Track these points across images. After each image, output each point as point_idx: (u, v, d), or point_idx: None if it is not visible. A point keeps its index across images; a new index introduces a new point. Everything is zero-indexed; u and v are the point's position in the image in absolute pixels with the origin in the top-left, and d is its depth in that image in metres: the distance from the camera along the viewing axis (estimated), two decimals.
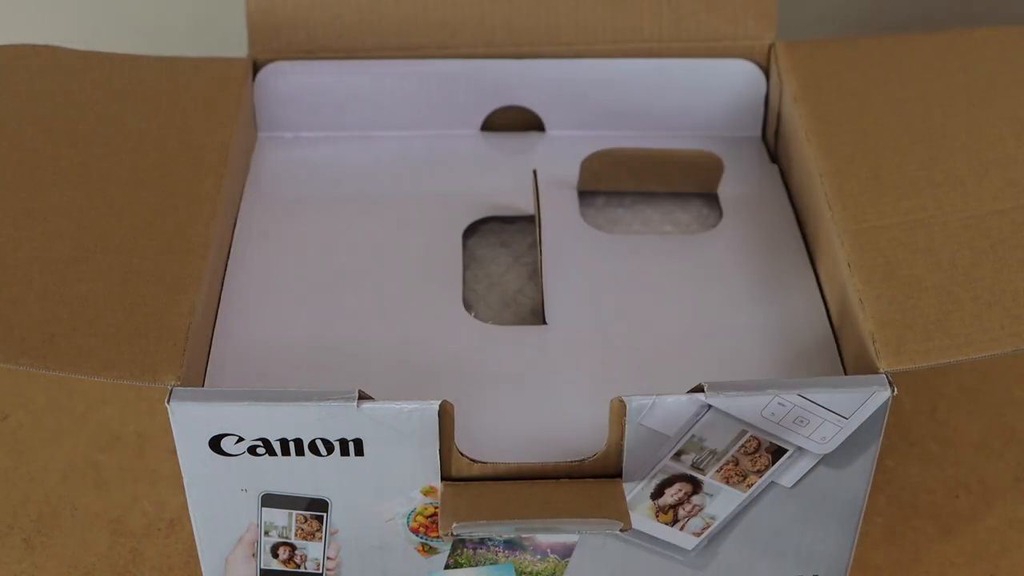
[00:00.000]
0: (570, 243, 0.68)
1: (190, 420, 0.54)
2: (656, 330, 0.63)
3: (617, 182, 0.72)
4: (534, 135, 0.76)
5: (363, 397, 0.53)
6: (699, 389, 0.54)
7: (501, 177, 0.72)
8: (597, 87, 0.75)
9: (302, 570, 0.60)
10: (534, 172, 0.69)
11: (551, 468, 0.56)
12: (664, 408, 0.54)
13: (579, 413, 0.58)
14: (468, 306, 0.65)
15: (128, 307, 0.56)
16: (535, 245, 0.68)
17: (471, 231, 0.70)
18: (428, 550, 0.59)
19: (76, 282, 0.57)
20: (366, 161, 0.73)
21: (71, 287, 0.57)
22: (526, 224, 0.70)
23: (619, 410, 0.54)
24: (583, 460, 0.56)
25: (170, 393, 0.53)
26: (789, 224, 0.69)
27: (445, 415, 0.54)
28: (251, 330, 0.62)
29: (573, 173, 0.72)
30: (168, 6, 0.95)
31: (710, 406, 0.54)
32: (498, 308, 0.66)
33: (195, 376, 0.57)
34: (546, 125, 0.76)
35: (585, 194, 0.72)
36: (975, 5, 0.95)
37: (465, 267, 0.67)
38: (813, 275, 0.65)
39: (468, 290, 0.66)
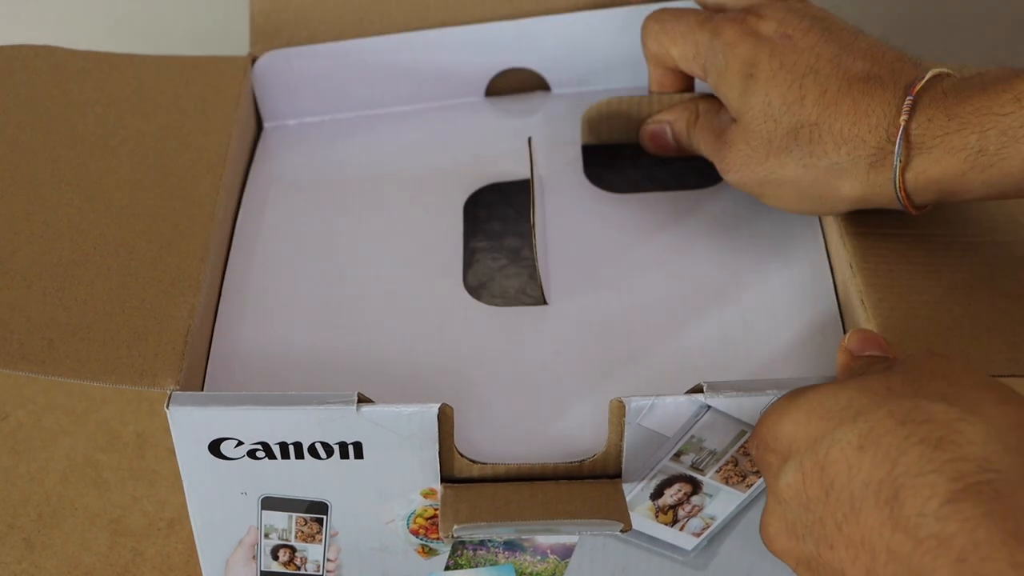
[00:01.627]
0: (572, 205, 0.67)
1: (189, 424, 0.54)
2: (660, 305, 0.62)
3: (620, 133, 0.71)
4: (539, 96, 0.75)
5: (362, 400, 0.53)
6: (698, 389, 0.54)
7: (507, 143, 0.71)
8: (599, 40, 0.73)
9: (302, 572, 0.60)
10: (529, 140, 0.68)
11: (550, 469, 0.56)
12: (663, 409, 0.54)
13: (580, 407, 0.58)
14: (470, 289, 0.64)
15: (127, 310, 0.56)
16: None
17: (476, 229, 0.69)
18: (428, 552, 0.59)
19: (74, 285, 0.57)
20: (371, 142, 0.72)
21: (69, 290, 0.57)
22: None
23: (618, 411, 0.54)
24: (582, 461, 0.56)
25: (169, 397, 0.53)
26: None
27: (444, 418, 0.53)
28: (251, 325, 0.61)
29: (579, 130, 0.71)
30: (168, 6, 0.95)
31: (709, 407, 0.54)
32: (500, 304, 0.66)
33: (194, 378, 0.57)
34: (551, 84, 0.75)
35: (596, 157, 0.71)
36: (974, 6, 0.95)
37: (466, 267, 0.67)
38: (821, 234, 0.65)
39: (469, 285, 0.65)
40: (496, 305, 0.63)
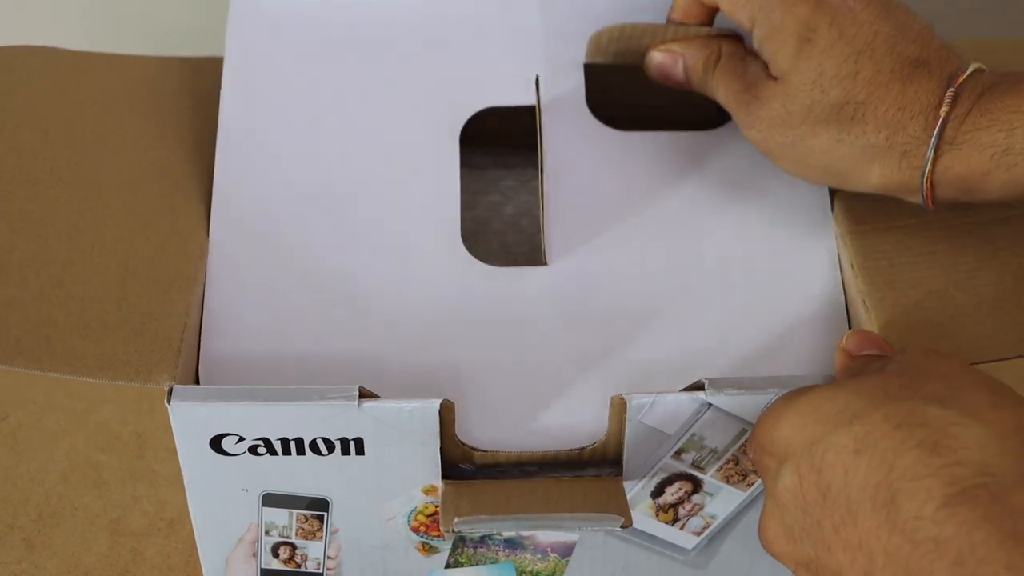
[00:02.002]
0: (574, 145, 0.64)
1: (190, 420, 0.54)
2: (663, 278, 0.61)
3: (630, 58, 0.66)
4: None
5: (364, 395, 0.53)
6: (699, 387, 0.54)
7: (503, 45, 0.66)
8: None
9: (303, 570, 0.59)
10: (536, 79, 0.64)
11: (551, 457, 0.56)
12: (664, 406, 0.54)
13: (580, 391, 0.58)
14: (465, 239, 0.62)
15: (124, 308, 0.57)
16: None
17: (471, 166, 0.66)
18: (428, 549, 0.59)
19: (72, 283, 0.57)
20: (357, 30, 0.67)
21: (67, 288, 0.57)
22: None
23: (619, 407, 0.54)
24: (582, 449, 0.56)
25: (170, 393, 0.53)
26: None
27: (445, 413, 0.53)
28: (241, 305, 0.60)
29: (579, 36, 0.66)
30: (168, 6, 0.95)
31: (710, 404, 0.54)
32: (497, 248, 0.65)
33: (190, 374, 0.57)
34: None
35: (599, 81, 0.66)
36: (976, 7, 0.95)
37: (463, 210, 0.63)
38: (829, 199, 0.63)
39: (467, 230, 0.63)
40: (494, 264, 0.61)
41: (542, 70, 0.65)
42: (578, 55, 0.66)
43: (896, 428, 0.45)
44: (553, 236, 0.62)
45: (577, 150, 0.64)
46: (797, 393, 0.50)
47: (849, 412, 0.47)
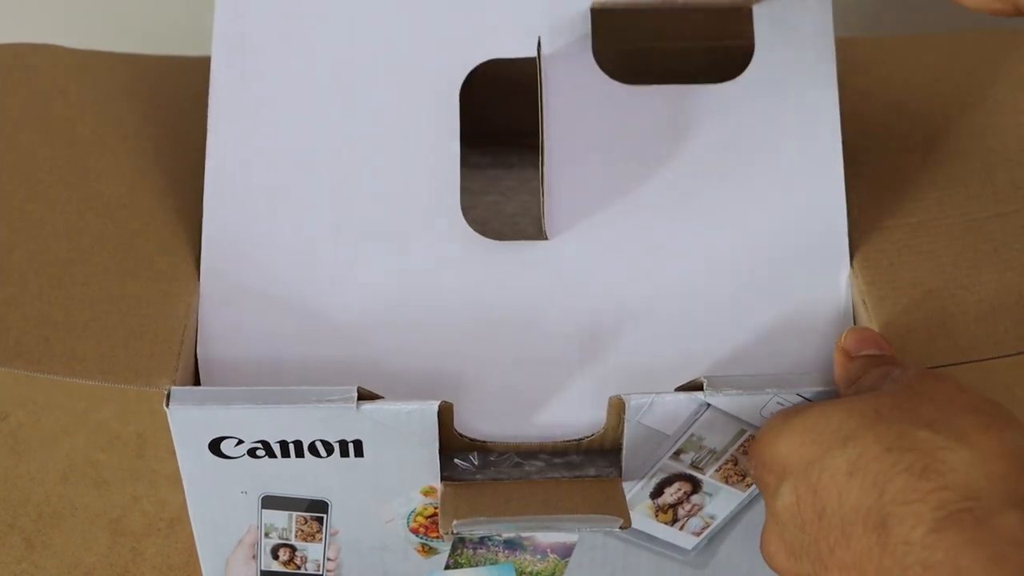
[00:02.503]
0: (579, 103, 0.61)
1: (189, 423, 0.54)
2: (664, 256, 0.60)
3: None
4: None
5: (362, 396, 0.53)
6: (697, 386, 0.54)
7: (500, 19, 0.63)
8: None
9: (302, 571, 0.59)
10: (539, 40, 0.61)
11: (549, 447, 0.56)
12: (663, 407, 0.54)
13: (578, 381, 0.58)
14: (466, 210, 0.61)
15: (123, 309, 0.57)
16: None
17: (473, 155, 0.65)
18: (428, 550, 0.59)
19: (71, 284, 0.57)
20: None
21: (66, 289, 0.57)
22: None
23: (618, 407, 0.54)
24: (580, 440, 0.56)
25: (168, 396, 0.53)
26: (826, 58, 0.63)
27: (444, 415, 0.53)
28: (236, 298, 0.59)
29: None
30: (168, 6, 0.95)
31: (709, 404, 0.54)
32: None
33: (190, 376, 0.57)
34: None
35: (607, 24, 0.64)
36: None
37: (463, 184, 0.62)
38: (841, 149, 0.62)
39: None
40: (494, 238, 0.61)
41: (547, 16, 0.62)
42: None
43: (887, 451, 0.46)
44: (553, 211, 0.60)
45: (581, 111, 0.62)
46: (794, 411, 0.51)
47: (843, 433, 0.48)
